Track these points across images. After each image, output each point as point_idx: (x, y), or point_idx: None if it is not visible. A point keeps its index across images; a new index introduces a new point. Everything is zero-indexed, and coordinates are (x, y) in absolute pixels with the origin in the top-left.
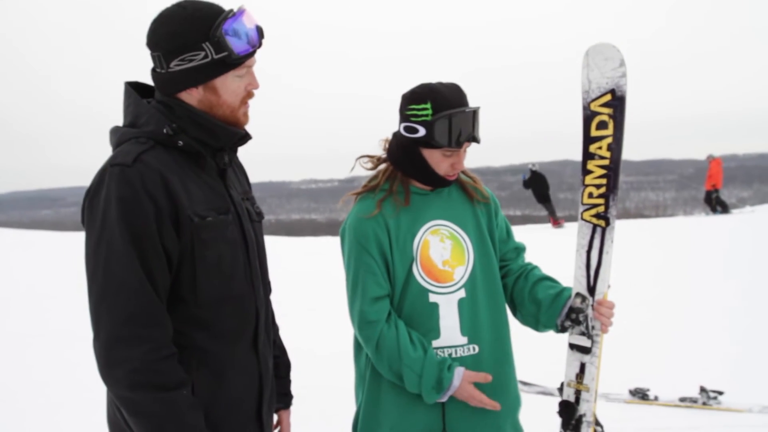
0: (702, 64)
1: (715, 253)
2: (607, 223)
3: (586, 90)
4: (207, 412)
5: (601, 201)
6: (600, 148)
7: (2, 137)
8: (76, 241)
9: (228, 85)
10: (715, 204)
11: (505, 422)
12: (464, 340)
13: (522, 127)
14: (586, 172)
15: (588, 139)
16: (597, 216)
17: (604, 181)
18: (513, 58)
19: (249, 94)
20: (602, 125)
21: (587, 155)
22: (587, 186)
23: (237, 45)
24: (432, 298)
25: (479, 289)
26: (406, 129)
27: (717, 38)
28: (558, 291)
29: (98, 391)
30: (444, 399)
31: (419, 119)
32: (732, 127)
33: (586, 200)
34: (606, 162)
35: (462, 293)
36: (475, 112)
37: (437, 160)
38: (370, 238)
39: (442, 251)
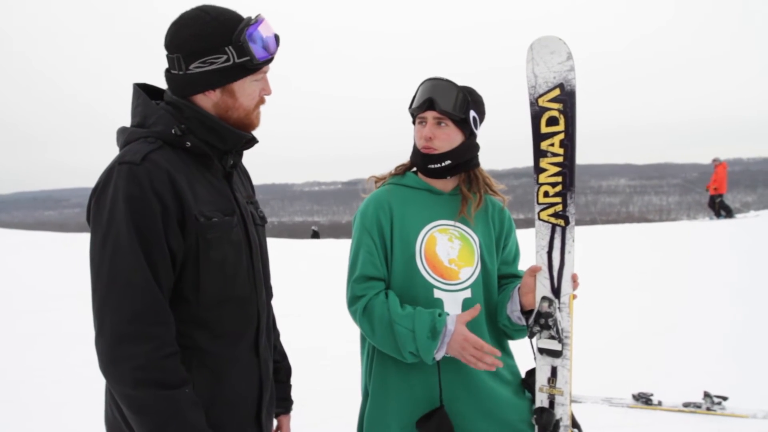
0: (707, 66)
1: (720, 258)
2: (567, 222)
3: (532, 85)
4: (206, 412)
5: (558, 200)
6: (552, 145)
7: (6, 138)
8: (80, 242)
9: (245, 89)
10: (719, 208)
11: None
12: None
13: (525, 129)
14: (539, 170)
15: (538, 136)
16: (555, 215)
17: (559, 179)
18: (515, 60)
19: (262, 99)
20: (552, 121)
21: (539, 153)
22: (542, 185)
23: (258, 51)
24: (437, 294)
25: (484, 293)
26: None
27: (722, 40)
28: (508, 288)
29: (101, 391)
30: (441, 351)
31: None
32: (736, 131)
33: (541, 199)
34: (560, 159)
35: (468, 293)
36: (443, 81)
37: (416, 133)
38: (374, 221)
39: (449, 250)
